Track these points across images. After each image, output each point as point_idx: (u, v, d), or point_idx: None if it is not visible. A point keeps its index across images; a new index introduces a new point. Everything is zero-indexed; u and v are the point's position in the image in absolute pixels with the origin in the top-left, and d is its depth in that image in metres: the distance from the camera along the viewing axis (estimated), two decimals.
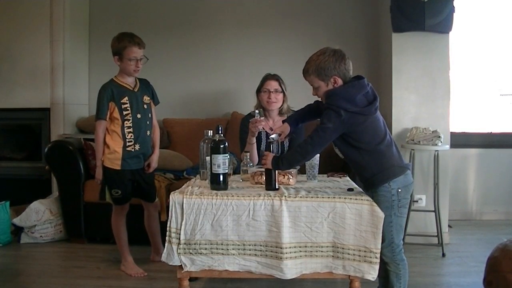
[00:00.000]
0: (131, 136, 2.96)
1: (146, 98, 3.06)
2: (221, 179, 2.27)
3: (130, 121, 2.95)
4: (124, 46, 2.90)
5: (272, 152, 2.31)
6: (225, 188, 2.29)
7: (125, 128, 2.95)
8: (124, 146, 2.96)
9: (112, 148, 2.95)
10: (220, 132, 2.33)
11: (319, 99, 2.38)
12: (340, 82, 2.25)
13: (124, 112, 2.94)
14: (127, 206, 3.11)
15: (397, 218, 2.22)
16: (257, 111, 2.94)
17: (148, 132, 3.06)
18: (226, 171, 2.29)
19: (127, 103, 2.95)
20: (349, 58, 2.28)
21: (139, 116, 2.98)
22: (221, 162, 2.26)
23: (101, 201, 3.12)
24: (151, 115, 3.09)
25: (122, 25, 4.55)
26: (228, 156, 2.32)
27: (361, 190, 2.33)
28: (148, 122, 3.05)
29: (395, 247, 2.23)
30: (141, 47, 2.95)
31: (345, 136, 2.21)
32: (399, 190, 2.21)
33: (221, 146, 2.28)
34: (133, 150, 2.98)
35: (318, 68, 2.24)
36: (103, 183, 3.04)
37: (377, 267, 2.09)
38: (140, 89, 3.03)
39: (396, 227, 2.22)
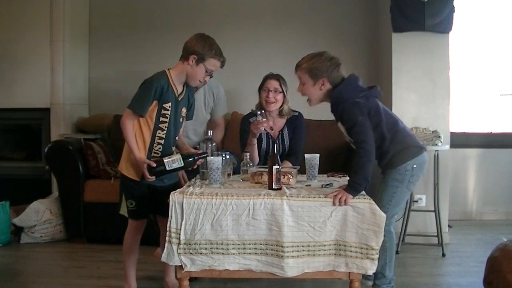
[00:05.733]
0: (160, 148, 2.52)
1: (183, 111, 2.62)
2: (160, 169, 2.43)
3: (165, 131, 2.51)
4: (211, 55, 2.47)
5: (276, 151, 2.30)
6: (154, 175, 2.43)
7: (156, 137, 2.51)
8: (149, 156, 2.51)
9: (132, 156, 2.49)
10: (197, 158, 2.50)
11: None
12: (327, 86, 2.35)
13: (162, 119, 2.49)
14: (143, 223, 2.65)
15: (402, 192, 2.30)
16: (259, 112, 2.94)
17: (173, 149, 2.62)
18: (167, 166, 2.42)
19: (168, 111, 2.50)
20: (344, 66, 2.42)
21: (173, 128, 2.55)
22: (173, 159, 2.43)
23: (121, 214, 2.69)
24: (179, 131, 2.67)
25: (122, 25, 4.59)
26: (181, 166, 2.45)
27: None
28: (176, 138, 2.63)
29: (386, 219, 2.21)
30: (223, 66, 2.57)
31: None
32: (414, 166, 2.30)
33: (189, 159, 2.46)
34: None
35: (311, 66, 2.35)
36: (120, 192, 2.65)
37: (377, 262, 2.12)
38: (183, 99, 2.58)
39: (397, 199, 2.29)
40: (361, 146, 2.20)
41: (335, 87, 2.34)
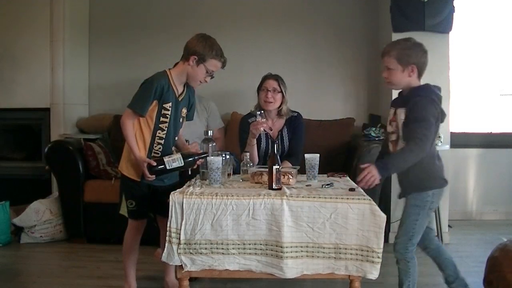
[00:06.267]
0: (160, 148, 2.53)
1: (184, 111, 2.62)
2: (161, 168, 2.42)
3: (165, 132, 2.52)
4: (211, 56, 2.47)
5: (276, 151, 2.30)
6: (153, 174, 2.42)
7: (156, 137, 2.51)
8: (149, 156, 2.50)
9: (133, 156, 2.49)
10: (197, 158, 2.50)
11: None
12: (416, 73, 2.29)
13: (162, 119, 2.49)
14: (143, 223, 2.65)
15: (423, 217, 2.29)
16: (258, 113, 2.94)
17: (173, 148, 2.63)
18: (167, 165, 2.42)
19: (168, 111, 2.49)
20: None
21: (172, 129, 2.55)
22: (174, 159, 2.43)
23: (121, 214, 2.67)
24: (179, 131, 2.67)
25: (122, 25, 4.59)
26: (181, 165, 2.45)
27: (362, 190, 2.33)
28: (176, 138, 2.63)
29: (409, 246, 2.28)
30: (224, 66, 2.56)
31: None
32: (434, 193, 2.28)
33: (190, 159, 2.46)
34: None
35: (401, 52, 2.29)
36: (120, 192, 2.65)
37: (378, 266, 2.10)
38: (183, 99, 2.58)
39: (419, 225, 2.28)
40: (421, 139, 2.14)
41: (420, 75, 2.31)
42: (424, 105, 2.19)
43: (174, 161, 2.43)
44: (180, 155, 2.45)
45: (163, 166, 2.42)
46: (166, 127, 2.51)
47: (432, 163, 2.30)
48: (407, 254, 2.29)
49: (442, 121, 2.30)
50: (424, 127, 2.16)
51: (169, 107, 2.49)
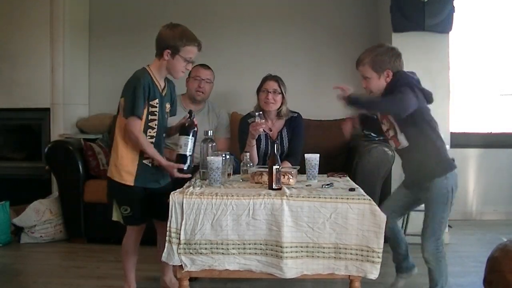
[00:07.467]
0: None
1: (167, 107, 2.55)
2: (187, 164, 2.42)
3: (155, 130, 2.45)
4: (183, 44, 2.39)
5: (276, 151, 2.30)
6: (188, 172, 2.42)
7: (147, 137, 2.43)
8: (141, 158, 2.44)
9: (125, 160, 2.43)
10: (192, 117, 2.47)
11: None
12: (392, 77, 2.34)
13: (151, 117, 2.42)
14: (142, 227, 2.57)
15: (447, 215, 2.34)
16: (257, 114, 2.93)
17: (163, 146, 2.59)
18: (187, 153, 2.41)
19: (156, 107, 2.43)
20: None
21: (162, 127, 2.51)
22: (183, 143, 2.41)
23: (113, 219, 2.58)
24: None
25: (122, 25, 4.59)
26: (192, 138, 2.43)
27: (362, 190, 2.33)
28: (164, 135, 2.57)
29: (439, 245, 2.33)
30: (200, 49, 2.47)
31: (416, 116, 2.27)
32: (453, 188, 2.31)
33: (189, 129, 2.43)
34: (150, 164, 2.46)
35: (374, 59, 2.33)
36: (110, 198, 2.53)
37: (378, 266, 2.10)
38: (166, 94, 2.52)
39: (445, 224, 2.35)
40: (400, 97, 2.21)
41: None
42: (404, 90, 2.24)
43: (185, 145, 2.43)
44: (181, 136, 2.44)
45: (185, 158, 2.43)
46: (156, 125, 2.47)
47: (443, 146, 2.36)
48: (439, 254, 2.34)
49: (430, 101, 2.35)
50: (402, 92, 2.22)
51: (156, 103, 2.44)
